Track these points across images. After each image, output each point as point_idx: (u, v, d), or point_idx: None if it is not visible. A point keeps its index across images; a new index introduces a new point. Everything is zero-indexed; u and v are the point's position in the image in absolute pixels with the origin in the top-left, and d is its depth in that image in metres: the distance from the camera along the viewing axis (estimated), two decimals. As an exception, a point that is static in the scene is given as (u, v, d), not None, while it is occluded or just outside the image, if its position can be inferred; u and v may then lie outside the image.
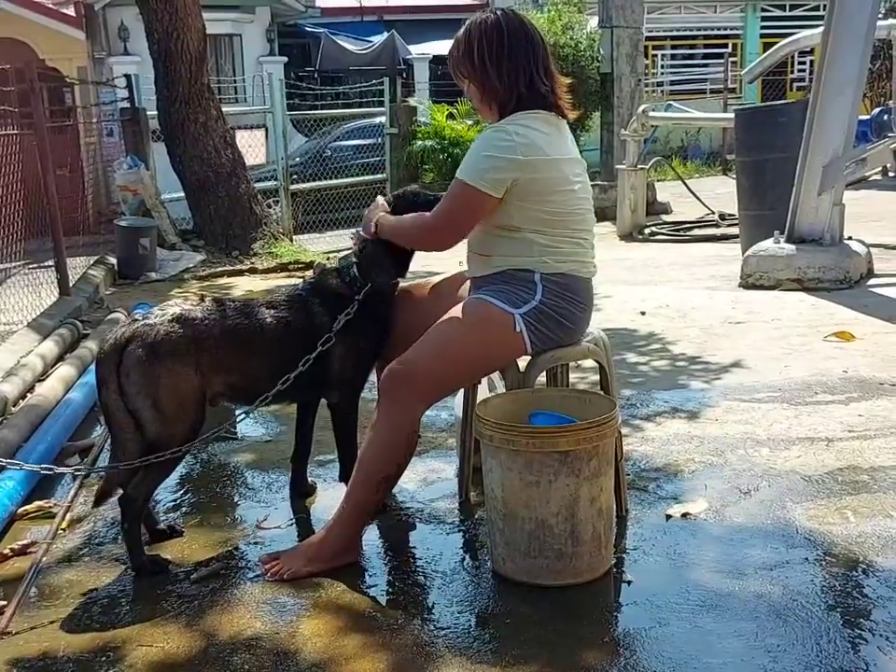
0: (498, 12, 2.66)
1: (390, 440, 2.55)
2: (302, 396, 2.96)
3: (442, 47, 17.55)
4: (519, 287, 2.58)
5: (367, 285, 2.79)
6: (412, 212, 2.78)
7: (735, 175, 8.53)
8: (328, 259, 5.67)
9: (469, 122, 12.90)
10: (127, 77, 9.72)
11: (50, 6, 15.35)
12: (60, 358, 4.98)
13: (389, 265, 2.83)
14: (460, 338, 2.57)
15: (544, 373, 2.74)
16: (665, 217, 10.82)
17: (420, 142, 12.46)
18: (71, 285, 6.68)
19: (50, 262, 6.68)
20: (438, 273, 3.05)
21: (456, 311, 2.61)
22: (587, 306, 2.70)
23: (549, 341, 2.62)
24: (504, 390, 2.79)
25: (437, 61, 17.41)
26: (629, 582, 2.48)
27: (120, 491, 2.65)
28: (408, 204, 2.84)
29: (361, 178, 11.85)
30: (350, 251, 2.90)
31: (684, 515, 2.83)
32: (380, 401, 2.58)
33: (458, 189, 2.57)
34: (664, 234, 9.71)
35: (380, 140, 12.59)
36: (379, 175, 11.91)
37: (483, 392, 2.98)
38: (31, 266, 7.15)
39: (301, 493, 3.10)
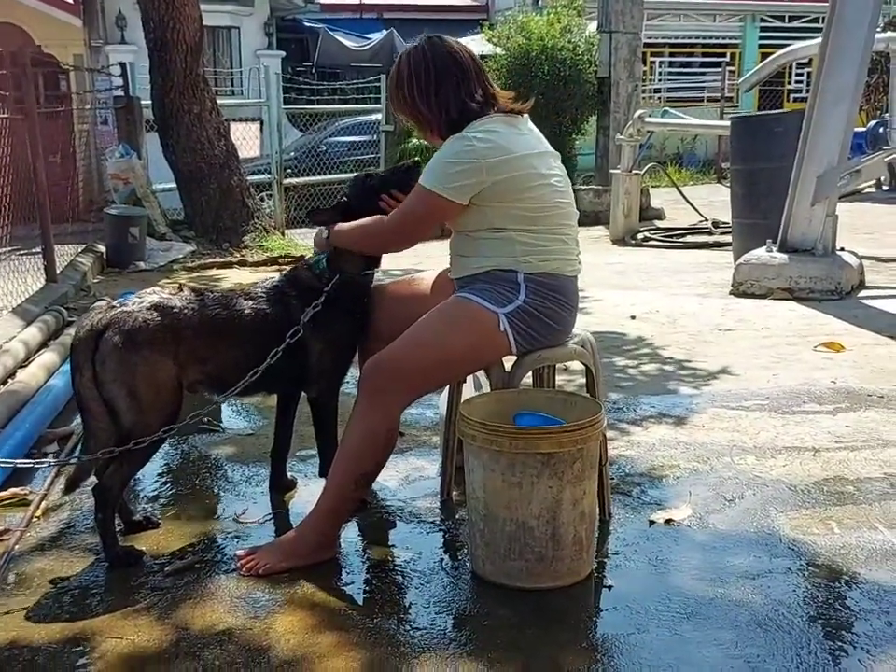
0: (424, 41, 2.63)
1: (369, 435, 2.51)
2: (281, 388, 2.93)
3: (441, 46, 17.53)
4: (503, 286, 2.55)
5: (335, 276, 2.76)
6: (365, 197, 2.78)
7: (729, 184, 8.53)
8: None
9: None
10: (122, 65, 9.66)
11: (48, -8, 15.26)
12: (43, 345, 4.93)
13: (358, 256, 2.80)
14: (443, 335, 2.54)
15: (530, 374, 2.71)
16: (659, 223, 10.80)
17: (415, 140, 12.42)
18: (58, 272, 6.62)
19: (38, 249, 6.62)
20: (425, 270, 3.02)
21: (440, 308, 2.59)
22: (572, 306, 2.66)
23: (534, 341, 2.59)
24: (489, 390, 2.76)
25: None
26: (610, 587, 2.45)
27: (92, 479, 2.61)
28: (361, 189, 2.82)
29: (356, 174, 11.78)
30: None
31: (668, 521, 2.80)
32: (359, 396, 2.54)
33: (420, 195, 2.56)
34: (656, 240, 9.70)
35: (375, 137, 12.56)
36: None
37: (467, 391, 2.95)
38: (18, 252, 7.08)
39: (281, 488, 3.07)
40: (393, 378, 2.50)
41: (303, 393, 2.96)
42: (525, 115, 2.68)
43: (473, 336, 2.55)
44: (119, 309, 2.55)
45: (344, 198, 2.87)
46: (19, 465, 2.88)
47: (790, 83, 20.10)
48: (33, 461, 2.93)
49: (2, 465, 2.83)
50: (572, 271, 2.65)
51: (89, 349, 2.51)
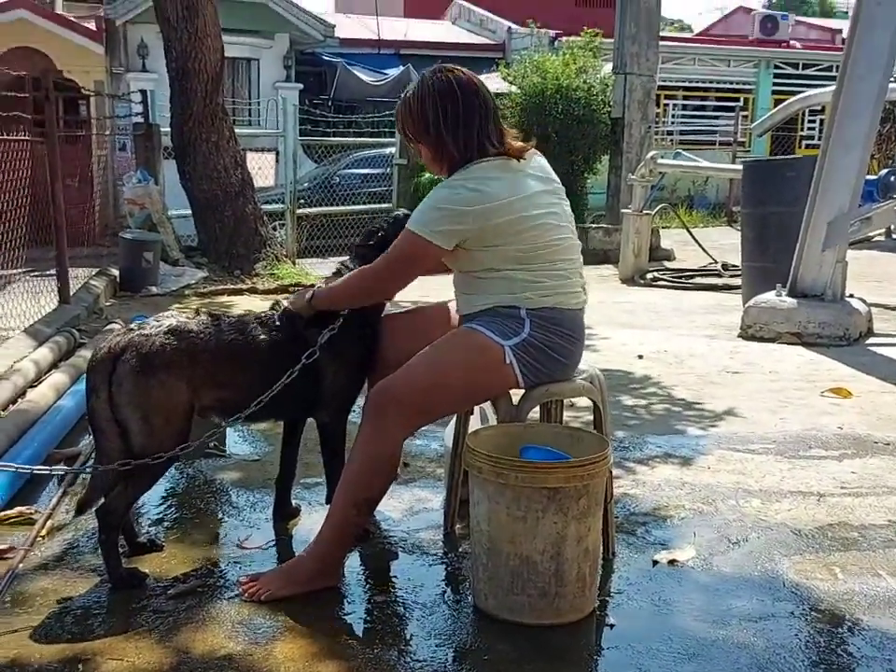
0: (451, 75, 2.60)
1: (373, 461, 2.53)
2: (291, 414, 2.94)
3: (457, 83, 17.70)
4: (507, 321, 2.57)
5: None
6: None
7: (739, 227, 8.56)
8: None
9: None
10: (143, 92, 9.80)
11: (72, 18, 15.49)
12: (54, 366, 4.96)
13: None
14: (448, 364, 2.55)
15: (537, 409, 2.72)
16: (668, 264, 10.84)
17: (428, 174, 12.51)
18: (71, 294, 6.67)
19: (52, 271, 6.68)
20: (433, 301, 3.05)
21: (447, 338, 2.61)
22: (578, 338, 2.67)
23: (541, 374, 2.60)
24: (496, 423, 2.77)
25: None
26: (612, 626, 2.44)
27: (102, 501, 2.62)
28: (402, 227, 2.74)
29: (368, 207, 11.90)
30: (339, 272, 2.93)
31: (671, 562, 2.79)
32: (363, 422, 2.55)
33: (406, 237, 2.57)
34: (666, 280, 9.72)
35: (388, 170, 12.66)
36: (385, 205, 11.96)
37: (474, 424, 2.96)
38: (32, 274, 7.15)
39: (285, 515, 3.07)
40: (397, 404, 2.51)
41: (310, 420, 2.98)
42: (529, 152, 2.66)
43: (478, 367, 2.56)
44: (137, 332, 2.58)
45: (381, 233, 2.90)
46: (35, 472, 2.90)
47: (802, 129, 20.24)
48: (48, 468, 2.94)
49: (20, 471, 2.86)
50: (576, 304, 2.66)
51: (106, 371, 2.54)
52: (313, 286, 2.92)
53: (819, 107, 14.91)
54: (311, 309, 2.76)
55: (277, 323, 2.77)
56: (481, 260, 2.58)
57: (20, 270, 6.52)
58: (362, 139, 13.85)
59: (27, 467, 2.89)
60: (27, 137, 6.13)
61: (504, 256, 2.55)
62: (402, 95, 2.69)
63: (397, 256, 2.63)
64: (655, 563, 2.79)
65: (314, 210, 11.47)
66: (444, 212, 2.52)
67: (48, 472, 2.92)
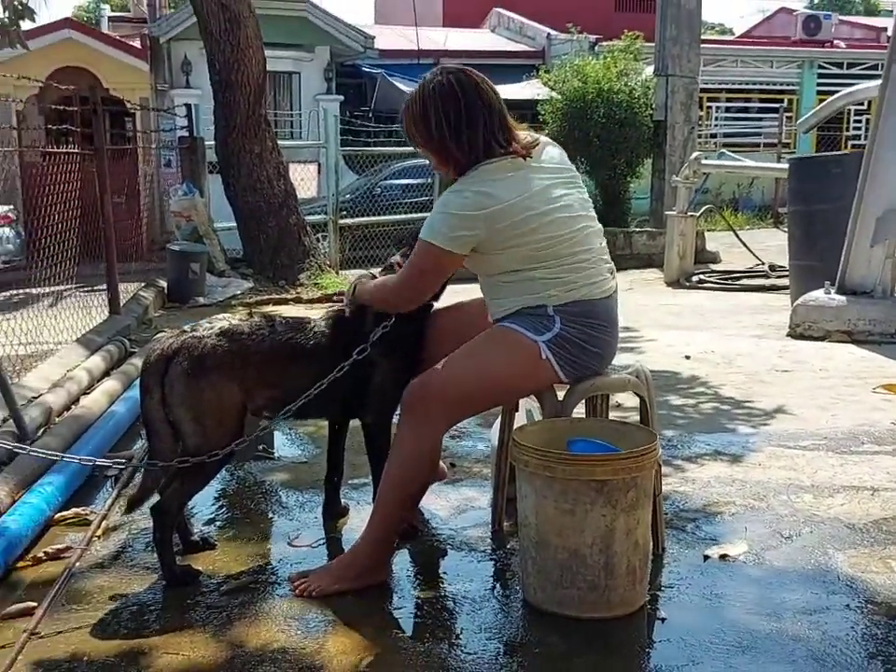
0: (451, 76, 2.54)
1: (414, 457, 2.54)
2: (338, 413, 2.97)
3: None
4: (537, 319, 2.56)
5: None
6: None
7: (786, 228, 8.46)
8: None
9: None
10: (187, 106, 9.95)
11: (118, 37, 15.81)
12: (106, 373, 5.05)
13: None
14: (485, 360, 2.55)
15: (582, 405, 2.71)
16: (714, 266, 10.74)
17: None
18: (121, 305, 6.79)
19: (102, 286, 6.80)
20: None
21: (485, 334, 2.61)
22: (611, 328, 2.63)
23: (580, 367, 2.58)
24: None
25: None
26: (663, 620, 2.42)
27: (152, 500, 2.66)
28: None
29: (409, 216, 11.95)
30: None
31: (723, 557, 2.77)
32: (402, 419, 2.57)
33: (421, 248, 2.56)
34: (712, 282, 9.64)
35: (429, 180, 12.70)
36: (426, 214, 11.90)
37: (519, 421, 2.96)
38: (83, 289, 7.29)
39: (334, 514, 3.10)
40: (436, 401, 2.52)
41: (355, 422, 3.00)
42: (540, 146, 2.62)
43: (515, 363, 2.56)
44: (190, 334, 2.63)
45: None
46: (98, 463, 2.95)
47: (848, 129, 19.96)
48: (110, 461, 2.99)
49: (83, 463, 2.97)
50: (605, 292, 2.62)
51: (159, 372, 2.58)
52: (373, 276, 2.92)
53: (864, 106, 14.69)
54: (351, 303, 2.80)
55: (331, 322, 2.81)
56: (499, 264, 2.57)
57: (71, 286, 6.65)
58: (403, 149, 13.91)
59: (89, 458, 2.97)
60: (77, 150, 6.26)
61: (521, 256, 2.53)
62: (404, 100, 2.65)
63: (414, 267, 2.62)
64: (706, 558, 2.77)
65: (356, 220, 11.55)
66: (454, 218, 2.50)
67: (108, 465, 2.98)
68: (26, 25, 7.08)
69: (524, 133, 2.63)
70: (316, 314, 2.96)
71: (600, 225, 2.71)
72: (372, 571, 2.58)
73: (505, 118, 2.59)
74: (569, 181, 2.65)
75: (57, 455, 2.88)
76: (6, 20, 6.75)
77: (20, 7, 6.71)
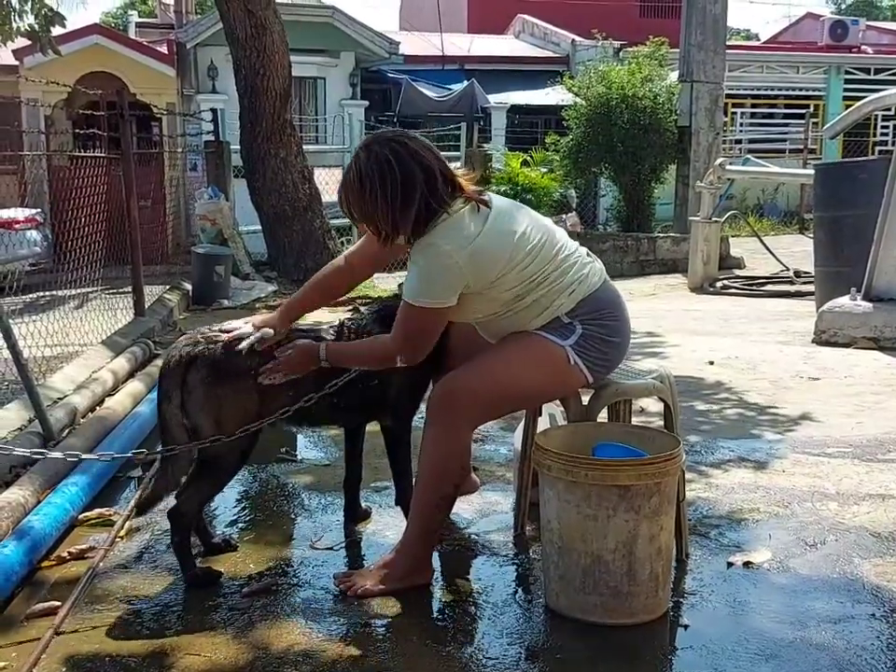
0: (386, 149, 2.43)
1: (445, 460, 2.54)
2: (358, 417, 2.97)
3: (520, 97, 17.78)
4: (558, 329, 2.55)
5: None
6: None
7: (811, 234, 8.39)
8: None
9: (544, 170, 12.96)
10: (213, 110, 10.04)
11: (145, 43, 15.94)
12: (131, 375, 5.08)
13: None
14: (513, 365, 2.55)
15: (605, 409, 2.70)
16: (738, 272, 10.67)
17: (494, 187, 12.54)
18: (146, 307, 6.83)
19: (127, 289, 6.85)
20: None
21: (510, 338, 2.59)
22: (620, 311, 2.63)
23: (605, 362, 2.58)
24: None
25: (514, 110, 17.62)
26: (686, 627, 2.41)
27: (167, 503, 2.68)
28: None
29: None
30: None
31: (746, 564, 2.74)
32: (431, 421, 2.56)
33: (410, 311, 2.50)
34: (736, 288, 9.57)
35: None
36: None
37: (542, 425, 2.95)
38: (109, 292, 7.34)
39: (356, 517, 3.10)
40: (465, 404, 2.52)
41: (374, 426, 3.00)
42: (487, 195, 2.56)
43: (544, 369, 2.55)
44: (208, 341, 2.64)
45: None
46: (133, 454, 2.93)
47: (875, 135, 19.76)
48: (131, 454, 2.98)
49: (115, 458, 3.07)
50: (599, 278, 2.61)
51: (178, 377, 2.59)
52: (383, 300, 2.87)
53: (892, 112, 14.56)
54: (322, 363, 2.63)
55: (348, 330, 2.81)
56: (498, 302, 2.54)
57: (97, 288, 6.71)
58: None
59: (109, 453, 2.99)
60: (104, 154, 6.32)
61: (516, 284, 2.49)
62: (343, 177, 2.56)
63: (410, 330, 2.53)
64: (730, 565, 2.75)
65: (380, 224, 11.56)
66: (439, 274, 2.45)
67: (129, 457, 2.99)
68: (56, 31, 7.16)
69: (468, 183, 2.55)
70: (337, 318, 2.97)
71: (557, 227, 2.67)
72: (416, 572, 2.60)
73: (445, 172, 2.49)
74: (527, 211, 2.63)
75: (75, 456, 2.89)
76: (35, 25, 6.83)
77: (49, 14, 6.79)
